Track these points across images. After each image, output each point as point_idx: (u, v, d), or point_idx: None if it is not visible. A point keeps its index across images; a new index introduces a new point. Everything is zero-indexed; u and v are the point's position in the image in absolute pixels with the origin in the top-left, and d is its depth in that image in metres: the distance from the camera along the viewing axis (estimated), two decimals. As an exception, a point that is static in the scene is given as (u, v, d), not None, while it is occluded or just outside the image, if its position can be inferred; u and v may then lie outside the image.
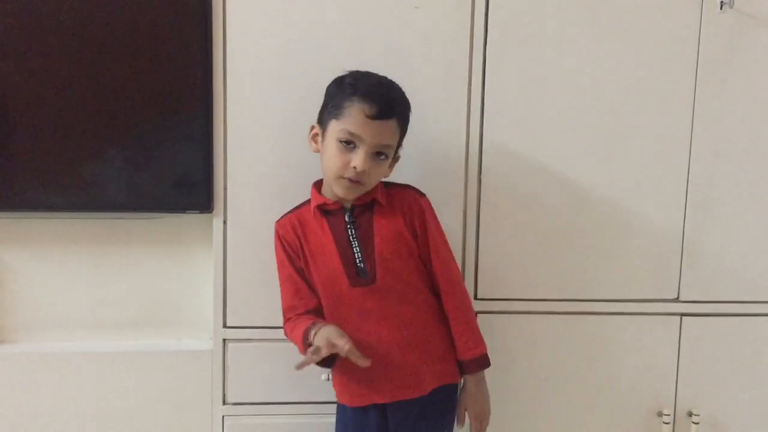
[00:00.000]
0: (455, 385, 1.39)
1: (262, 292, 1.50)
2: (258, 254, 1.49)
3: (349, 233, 1.32)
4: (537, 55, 1.52)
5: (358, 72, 1.30)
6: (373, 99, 1.25)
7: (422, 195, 1.38)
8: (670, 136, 1.57)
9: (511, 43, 1.51)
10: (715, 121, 1.57)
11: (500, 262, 1.56)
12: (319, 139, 1.31)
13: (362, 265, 1.31)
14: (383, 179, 1.35)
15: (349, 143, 1.26)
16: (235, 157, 1.48)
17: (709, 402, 1.63)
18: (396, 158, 1.35)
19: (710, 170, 1.58)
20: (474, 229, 1.54)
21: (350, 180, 1.27)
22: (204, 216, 1.50)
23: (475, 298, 1.55)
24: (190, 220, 1.54)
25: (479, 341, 1.37)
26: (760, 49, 1.56)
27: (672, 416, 1.61)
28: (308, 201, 1.37)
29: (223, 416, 1.53)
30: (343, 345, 1.19)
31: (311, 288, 1.35)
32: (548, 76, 1.53)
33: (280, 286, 1.38)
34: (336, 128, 1.27)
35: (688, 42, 1.55)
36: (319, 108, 1.34)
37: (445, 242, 1.39)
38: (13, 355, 1.52)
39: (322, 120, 1.31)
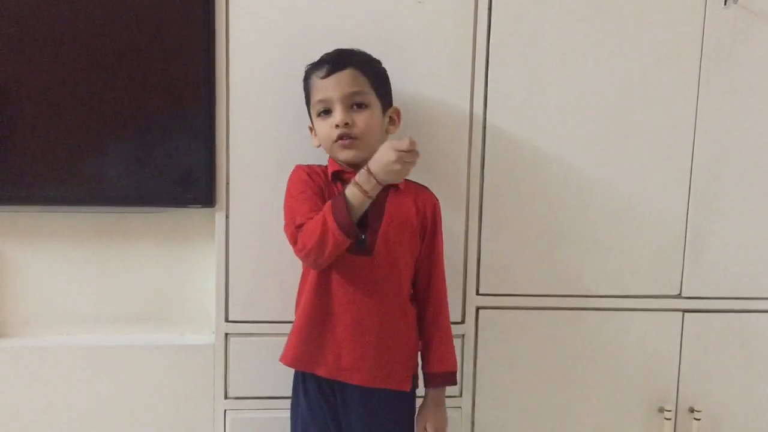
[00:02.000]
0: (406, 395, 1.36)
1: (265, 286, 1.50)
2: (260, 249, 1.49)
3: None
4: (540, 50, 1.52)
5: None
6: (322, 62, 1.33)
7: (437, 199, 1.40)
8: (674, 131, 1.56)
9: (515, 38, 1.51)
10: (719, 117, 1.57)
11: (502, 258, 1.56)
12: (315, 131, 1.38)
13: (363, 236, 1.29)
14: (390, 137, 1.36)
15: (326, 112, 1.32)
16: (237, 152, 1.48)
17: (710, 398, 1.63)
18: (396, 111, 1.37)
19: (713, 166, 1.58)
20: (476, 224, 1.54)
21: (342, 139, 1.30)
22: (206, 210, 1.50)
23: (477, 293, 1.56)
24: (193, 214, 1.54)
25: (454, 359, 1.40)
26: (763, 45, 1.56)
27: (673, 412, 1.61)
28: (320, 166, 1.38)
29: (225, 410, 1.53)
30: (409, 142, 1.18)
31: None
32: (552, 71, 1.52)
33: (293, 206, 1.31)
34: (312, 108, 1.35)
35: (692, 37, 1.54)
36: None
37: (443, 255, 1.40)
38: (14, 349, 1.52)
39: (309, 115, 1.38)
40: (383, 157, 1.20)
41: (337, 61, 1.31)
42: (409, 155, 1.19)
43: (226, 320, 1.52)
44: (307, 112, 1.39)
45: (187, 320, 1.60)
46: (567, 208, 1.56)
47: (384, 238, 1.31)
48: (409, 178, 1.37)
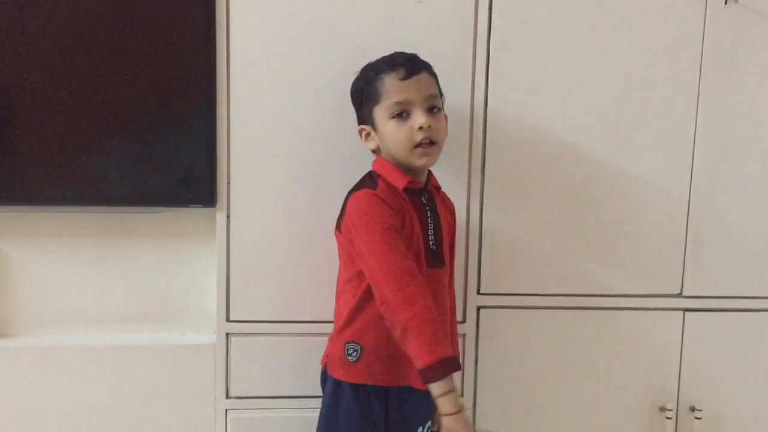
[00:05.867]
0: None
1: (266, 286, 1.50)
2: (261, 248, 1.49)
3: (428, 215, 1.33)
4: (541, 51, 1.52)
5: (369, 63, 1.34)
6: (397, 63, 1.29)
7: None
8: (674, 129, 1.56)
9: (515, 38, 1.51)
10: (720, 116, 1.57)
11: (502, 257, 1.56)
12: (372, 134, 1.33)
13: (435, 247, 1.32)
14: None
15: (402, 114, 1.28)
16: (238, 152, 1.48)
17: (711, 397, 1.63)
18: (445, 118, 1.37)
19: (714, 164, 1.58)
20: (477, 223, 1.54)
21: (423, 144, 1.28)
22: (207, 210, 1.50)
23: (478, 292, 1.56)
24: (194, 214, 1.54)
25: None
26: (764, 44, 1.56)
27: (675, 411, 1.61)
28: (374, 179, 1.32)
29: (226, 410, 1.54)
30: None
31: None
32: (552, 71, 1.52)
33: (385, 255, 1.21)
34: (383, 110, 1.29)
35: (693, 36, 1.54)
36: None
37: None
38: (16, 349, 1.52)
39: (366, 117, 1.34)
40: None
41: (412, 64, 1.29)
42: None
43: (227, 320, 1.52)
44: (359, 117, 1.35)
45: (188, 320, 1.60)
46: (567, 207, 1.56)
47: (445, 246, 1.34)
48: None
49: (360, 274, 1.29)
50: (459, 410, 1.16)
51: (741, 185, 1.59)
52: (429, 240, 1.32)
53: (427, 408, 1.36)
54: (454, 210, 1.45)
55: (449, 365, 1.16)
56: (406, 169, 1.32)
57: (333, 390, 1.33)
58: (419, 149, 1.28)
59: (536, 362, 1.59)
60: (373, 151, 1.36)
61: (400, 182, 1.31)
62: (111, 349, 1.53)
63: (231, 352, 1.53)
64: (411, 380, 1.30)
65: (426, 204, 1.33)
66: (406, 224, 1.29)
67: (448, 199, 1.45)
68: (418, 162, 1.30)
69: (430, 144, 1.29)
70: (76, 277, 1.57)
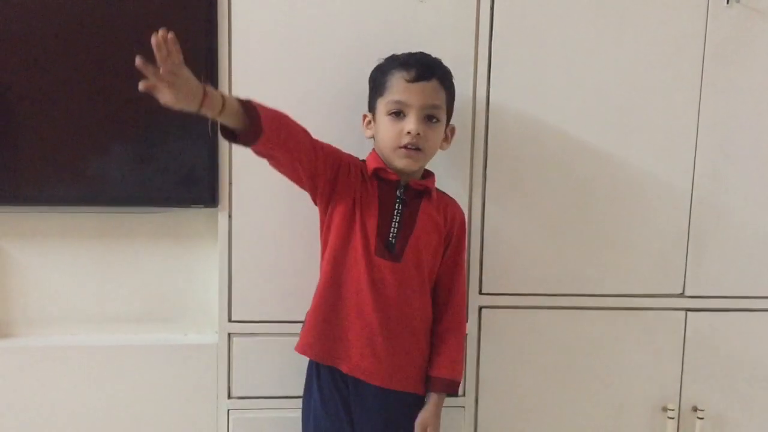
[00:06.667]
0: (418, 397, 1.38)
1: (267, 286, 1.50)
2: (263, 248, 1.49)
3: (396, 208, 1.33)
4: (543, 50, 1.52)
5: (394, 54, 1.36)
6: (410, 63, 1.31)
7: (463, 213, 1.44)
8: (676, 129, 1.56)
9: (518, 37, 1.51)
10: (721, 116, 1.57)
11: (505, 257, 1.55)
12: (372, 123, 1.36)
13: (393, 240, 1.32)
14: (441, 150, 1.38)
15: (398, 114, 1.30)
16: (239, 152, 1.47)
17: (714, 397, 1.63)
18: (452, 129, 1.38)
19: (716, 164, 1.58)
20: (479, 223, 1.54)
21: (407, 148, 1.29)
22: (209, 210, 1.50)
23: (480, 292, 1.55)
24: (196, 214, 1.54)
25: (461, 368, 1.41)
26: (765, 44, 1.56)
27: (677, 411, 1.61)
28: (360, 161, 1.38)
29: (228, 410, 1.53)
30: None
31: (323, 159, 1.29)
32: (554, 71, 1.52)
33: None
34: (383, 104, 1.32)
35: (695, 36, 1.54)
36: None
37: (465, 267, 1.45)
38: (18, 348, 1.52)
39: (371, 104, 1.36)
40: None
41: (425, 69, 1.30)
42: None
43: (229, 320, 1.52)
44: (368, 102, 1.38)
45: (190, 320, 1.60)
46: (569, 207, 1.56)
47: (414, 245, 1.33)
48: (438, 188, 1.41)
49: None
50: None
51: (743, 185, 1.59)
52: (390, 232, 1.32)
53: (404, 420, 1.35)
54: (462, 220, 1.42)
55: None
56: (391, 166, 1.33)
57: (308, 365, 1.39)
58: (402, 150, 1.30)
59: (538, 362, 1.59)
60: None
61: (372, 165, 1.34)
62: (112, 349, 1.53)
63: (233, 352, 1.52)
64: (339, 362, 1.32)
65: (398, 198, 1.33)
66: (362, 200, 1.31)
67: (457, 208, 1.43)
68: (399, 162, 1.32)
69: (415, 150, 1.30)
70: (78, 277, 1.57)
